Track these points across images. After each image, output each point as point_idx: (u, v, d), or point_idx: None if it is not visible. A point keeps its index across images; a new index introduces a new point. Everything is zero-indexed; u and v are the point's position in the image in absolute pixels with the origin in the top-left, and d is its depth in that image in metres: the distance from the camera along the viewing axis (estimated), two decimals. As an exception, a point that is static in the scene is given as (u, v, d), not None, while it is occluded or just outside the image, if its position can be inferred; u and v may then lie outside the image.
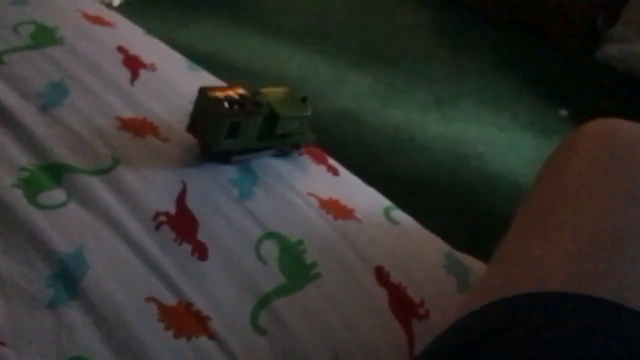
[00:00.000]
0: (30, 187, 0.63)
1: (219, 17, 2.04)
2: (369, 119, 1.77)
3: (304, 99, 0.78)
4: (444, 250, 0.73)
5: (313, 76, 1.90)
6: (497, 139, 1.81)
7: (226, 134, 0.68)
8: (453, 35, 2.27)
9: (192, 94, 0.81)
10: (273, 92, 0.75)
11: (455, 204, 1.55)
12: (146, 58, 0.86)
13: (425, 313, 0.65)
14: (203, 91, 0.70)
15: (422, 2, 2.42)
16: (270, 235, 0.67)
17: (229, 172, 0.72)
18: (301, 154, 0.79)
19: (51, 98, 0.74)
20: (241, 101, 0.70)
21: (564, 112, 1.95)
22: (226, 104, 0.68)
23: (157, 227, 0.64)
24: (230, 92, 0.70)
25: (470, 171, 1.67)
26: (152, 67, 0.85)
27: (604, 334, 0.40)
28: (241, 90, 0.71)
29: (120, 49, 0.87)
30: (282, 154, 0.77)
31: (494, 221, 1.58)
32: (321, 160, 0.80)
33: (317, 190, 0.74)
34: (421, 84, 1.96)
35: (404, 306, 0.65)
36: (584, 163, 0.57)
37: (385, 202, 0.78)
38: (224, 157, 0.72)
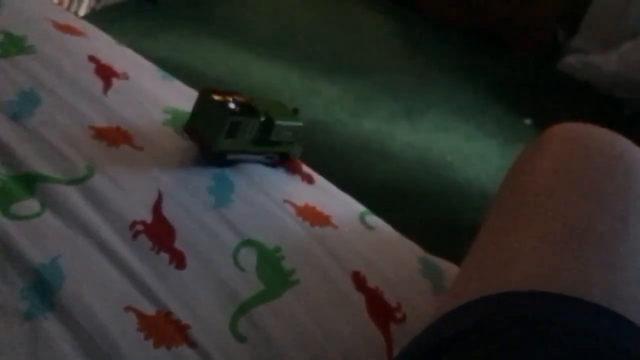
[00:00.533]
0: (3, 197, 0.62)
1: (186, 28, 2.04)
2: (339, 129, 1.79)
3: (295, 110, 0.81)
4: (418, 254, 0.74)
5: (283, 86, 1.91)
6: (464, 147, 1.84)
7: (226, 133, 0.70)
8: (420, 46, 2.31)
9: (166, 103, 0.81)
10: (266, 102, 0.78)
11: (424, 211, 1.58)
12: (119, 67, 0.86)
13: (402, 316, 0.66)
14: (205, 92, 0.72)
15: (390, 14, 2.46)
16: (248, 242, 0.67)
17: (205, 180, 0.72)
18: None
19: (22, 107, 0.73)
20: (240, 104, 0.72)
21: (528, 121, 2.00)
22: (229, 103, 0.71)
23: (134, 236, 0.63)
24: (229, 97, 0.73)
25: (439, 179, 1.70)
26: (124, 76, 0.85)
27: (570, 329, 0.42)
28: (238, 97, 0.74)
29: (92, 58, 0.86)
30: (271, 163, 0.78)
31: (463, 228, 1.62)
32: (296, 169, 0.81)
33: (293, 197, 0.75)
34: (389, 94, 1.98)
35: (381, 310, 0.66)
36: (549, 165, 0.59)
37: (360, 207, 0.79)
38: (220, 159, 0.73)
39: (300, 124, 0.79)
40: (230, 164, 0.74)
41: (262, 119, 0.74)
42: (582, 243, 0.49)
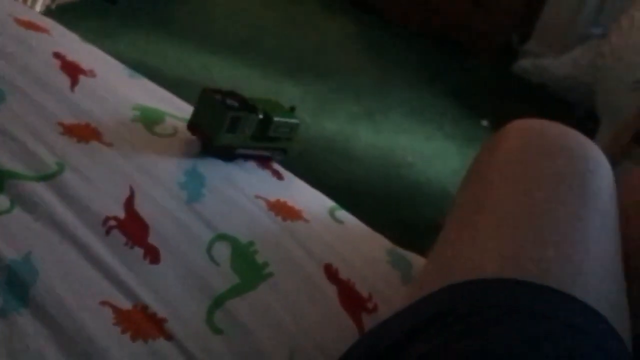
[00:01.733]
0: (-29, 194, 0.61)
1: (145, 27, 2.02)
2: (302, 130, 1.79)
3: (292, 109, 0.85)
4: (386, 246, 0.76)
5: (245, 87, 1.90)
6: (424, 148, 1.89)
7: (227, 128, 0.73)
8: (380, 49, 2.35)
9: (135, 100, 0.81)
10: (263, 100, 0.82)
11: (387, 210, 1.61)
12: (84, 64, 0.85)
13: (373, 306, 0.67)
14: (207, 90, 0.76)
15: (351, 17, 2.49)
16: (221, 237, 0.68)
17: (176, 175, 0.72)
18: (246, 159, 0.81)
19: (-13, 104, 0.72)
20: (240, 101, 0.76)
21: (485, 123, 2.06)
22: (229, 101, 0.75)
23: (107, 232, 0.63)
24: (228, 96, 0.77)
25: (401, 180, 1.73)
26: (91, 74, 0.84)
27: (529, 313, 0.44)
28: (237, 95, 0.78)
29: (57, 55, 0.85)
30: (272, 158, 0.82)
31: (424, 225, 1.65)
32: (265, 165, 0.82)
33: (265, 192, 0.76)
34: (351, 96, 2.01)
35: (353, 301, 0.67)
36: (506, 157, 0.62)
37: (330, 202, 0.80)
38: (225, 153, 0.76)
39: (296, 121, 0.84)
40: (236, 158, 0.78)
41: (261, 115, 0.77)
42: (538, 230, 0.51)
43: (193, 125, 0.76)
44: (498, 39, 2.25)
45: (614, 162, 0.67)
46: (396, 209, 1.64)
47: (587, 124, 1.95)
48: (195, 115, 0.76)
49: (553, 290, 0.46)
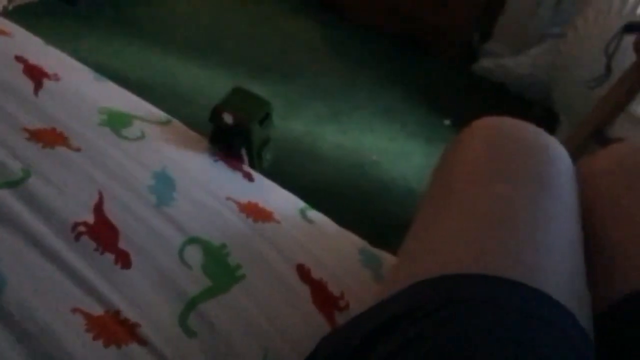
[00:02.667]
0: None
1: (107, 29, 1.99)
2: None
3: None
4: (358, 245, 0.77)
5: (209, 88, 1.90)
6: (389, 147, 1.91)
7: (260, 120, 0.80)
8: (345, 50, 2.36)
9: (101, 103, 0.80)
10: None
11: (354, 209, 1.62)
12: (48, 68, 0.84)
13: (345, 305, 0.68)
14: (239, 89, 0.84)
15: (315, 18, 2.50)
16: (193, 240, 0.67)
17: (146, 179, 0.72)
18: (216, 160, 0.81)
19: (-53, 109, 0.70)
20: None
21: (447, 122, 2.09)
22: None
23: (77, 238, 0.62)
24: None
25: (367, 178, 1.75)
26: (55, 77, 0.82)
27: (495, 306, 0.45)
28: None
29: (19, 59, 0.83)
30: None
31: (390, 223, 1.67)
32: (236, 167, 0.82)
33: (235, 194, 0.76)
34: (317, 97, 2.02)
35: (326, 300, 0.68)
36: (471, 155, 0.63)
37: (300, 203, 0.81)
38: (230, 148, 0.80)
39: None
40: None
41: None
42: (502, 225, 0.53)
43: (215, 115, 0.79)
44: (459, 38, 2.29)
45: (574, 158, 0.70)
46: (363, 208, 1.66)
47: (547, 121, 2.00)
48: (221, 108, 0.80)
49: (517, 284, 0.47)
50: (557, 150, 0.64)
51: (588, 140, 1.43)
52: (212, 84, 1.92)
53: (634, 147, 0.69)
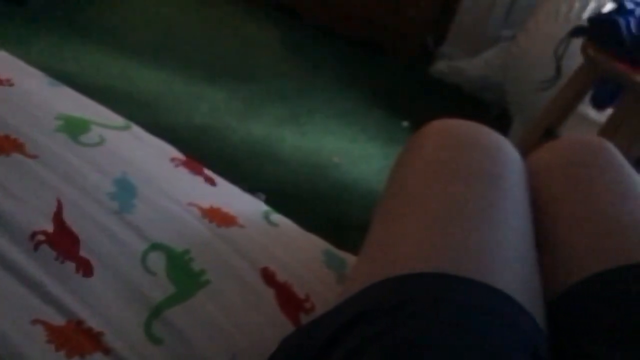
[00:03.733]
0: None
1: (59, 32, 1.94)
2: (228, 134, 1.79)
3: None
4: (321, 247, 0.78)
5: (167, 92, 1.88)
6: (350, 150, 1.92)
7: None
8: (303, 52, 2.37)
9: (57, 109, 0.79)
10: None
11: (315, 211, 1.63)
12: (0, 73, 0.81)
13: (311, 307, 0.69)
14: None
15: (271, 20, 2.50)
16: (156, 246, 0.67)
17: (106, 186, 0.71)
18: (177, 165, 0.80)
19: None
20: None
21: (405, 124, 2.13)
22: None
23: (36, 247, 0.61)
24: None
25: (328, 180, 1.76)
26: (8, 83, 0.80)
27: (447, 302, 0.47)
28: None
29: (-31, 64, 0.81)
30: None
31: (351, 225, 1.69)
32: (197, 171, 0.82)
33: (197, 199, 0.76)
34: (276, 99, 2.02)
35: (291, 302, 0.68)
36: (425, 156, 0.65)
37: (263, 206, 0.81)
38: None
39: None
40: None
41: None
42: (455, 224, 0.55)
43: None
44: (415, 41, 2.33)
45: (526, 158, 0.73)
46: (324, 210, 1.67)
47: (501, 122, 2.06)
48: None
49: (469, 280, 0.49)
50: (507, 149, 0.66)
51: (540, 140, 1.47)
52: (169, 88, 1.89)
53: (571, 142, 0.73)
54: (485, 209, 0.56)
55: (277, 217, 0.80)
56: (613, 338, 0.49)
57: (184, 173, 0.80)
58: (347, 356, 0.45)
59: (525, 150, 0.78)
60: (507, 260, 0.53)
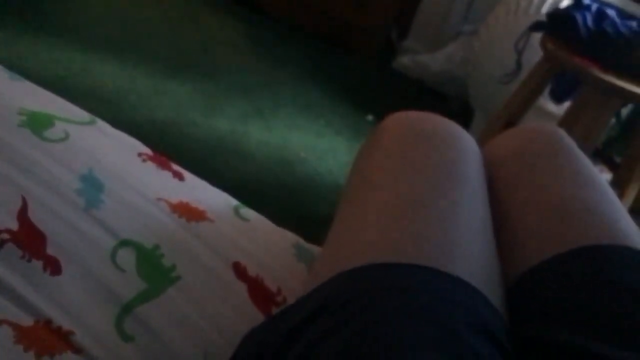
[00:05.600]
0: None
1: (17, 27, 1.89)
2: (192, 130, 1.77)
3: None
4: (292, 240, 0.78)
5: (129, 87, 1.85)
6: (316, 144, 1.93)
7: None
8: (267, 47, 2.36)
9: (19, 104, 0.77)
10: None
11: (282, 206, 1.63)
12: (-43, 68, 0.79)
13: (283, 300, 0.69)
14: None
15: (234, 15, 2.48)
16: (125, 243, 0.66)
17: (72, 182, 0.69)
18: (144, 160, 0.79)
19: None
20: None
21: (370, 117, 2.14)
22: None
23: (1, 246, 0.59)
24: None
25: (295, 175, 1.76)
26: (-34, 77, 0.78)
27: (406, 291, 0.48)
28: None
29: None
30: None
31: (319, 218, 1.70)
32: (165, 166, 0.81)
33: (166, 195, 0.75)
34: (240, 95, 2.01)
35: (263, 296, 0.68)
36: (385, 148, 0.66)
37: (234, 201, 0.81)
38: None
39: None
40: None
41: None
42: (414, 215, 0.56)
43: None
44: (378, 36, 2.35)
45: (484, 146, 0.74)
46: (291, 205, 1.67)
47: (463, 115, 2.09)
48: None
49: (429, 269, 0.50)
50: (465, 139, 0.68)
51: (500, 133, 1.50)
52: (131, 83, 1.86)
53: (525, 130, 0.75)
54: (444, 199, 0.58)
55: (247, 211, 0.80)
56: (571, 320, 0.50)
57: (151, 168, 0.79)
58: (305, 351, 0.45)
59: (487, 142, 0.80)
60: (467, 249, 0.54)
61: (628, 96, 1.28)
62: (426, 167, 0.61)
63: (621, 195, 1.36)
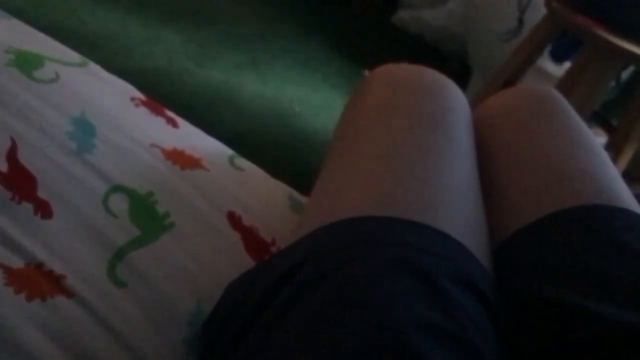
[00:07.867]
0: None
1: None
2: (185, 79, 1.74)
3: None
4: (286, 192, 0.77)
5: (121, 33, 1.80)
6: (311, 98, 1.90)
7: None
8: (263, -3, 2.30)
9: (7, 42, 0.74)
10: None
11: (275, 160, 1.61)
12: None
13: (277, 250, 0.69)
14: None
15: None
16: (118, 188, 0.64)
17: (63, 125, 0.67)
18: (137, 105, 0.77)
19: None
20: None
21: (367, 73, 2.11)
22: None
23: (-12, 186, 0.58)
24: None
25: (289, 129, 1.74)
26: (-49, 12, 0.74)
27: (389, 244, 0.47)
28: None
29: None
30: None
31: (311, 174, 1.69)
32: (159, 112, 0.79)
33: (160, 141, 0.73)
34: (235, 45, 1.96)
35: (257, 246, 0.68)
36: (372, 102, 0.65)
37: (229, 150, 0.79)
38: None
39: None
40: None
41: None
42: (400, 168, 0.55)
43: None
44: (378, -11, 2.30)
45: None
46: (285, 158, 1.65)
47: (462, 74, 2.07)
48: None
49: (415, 224, 0.49)
50: (454, 93, 0.66)
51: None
52: (123, 29, 1.81)
53: (519, 91, 0.74)
54: (429, 152, 0.57)
55: (242, 161, 0.78)
56: (561, 277, 0.51)
57: (144, 113, 0.77)
58: (287, 301, 0.45)
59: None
60: (454, 205, 0.53)
61: (631, 58, 1.26)
62: (413, 119, 0.60)
63: (615, 158, 1.36)
